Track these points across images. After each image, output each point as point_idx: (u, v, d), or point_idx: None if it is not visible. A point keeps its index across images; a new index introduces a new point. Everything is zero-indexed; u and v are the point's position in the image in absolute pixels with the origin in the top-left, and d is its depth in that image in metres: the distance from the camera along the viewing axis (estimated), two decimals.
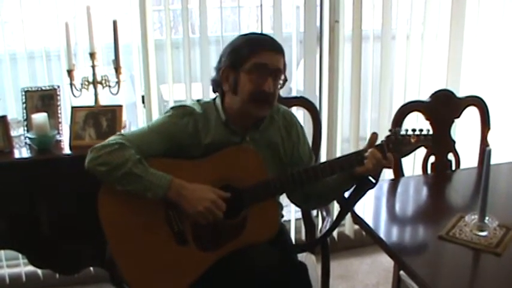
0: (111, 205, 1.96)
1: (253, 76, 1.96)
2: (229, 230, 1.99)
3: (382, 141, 2.03)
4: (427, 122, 2.62)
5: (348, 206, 2.11)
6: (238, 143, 2.07)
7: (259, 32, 2.15)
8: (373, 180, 2.01)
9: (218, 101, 2.09)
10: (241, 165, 2.03)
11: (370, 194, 2.29)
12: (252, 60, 1.96)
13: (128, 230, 1.95)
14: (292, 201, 2.29)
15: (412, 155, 3.38)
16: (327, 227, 2.33)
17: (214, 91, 2.12)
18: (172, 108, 2.09)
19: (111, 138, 1.98)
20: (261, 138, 2.11)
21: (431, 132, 2.07)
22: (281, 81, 2.02)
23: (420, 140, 2.05)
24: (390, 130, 2.05)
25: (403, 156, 2.14)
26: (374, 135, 2.03)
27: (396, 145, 2.03)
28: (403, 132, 2.06)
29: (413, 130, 2.06)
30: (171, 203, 1.93)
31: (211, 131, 2.05)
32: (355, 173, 1.99)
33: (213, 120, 2.06)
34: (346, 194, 2.13)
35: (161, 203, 1.94)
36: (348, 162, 2.00)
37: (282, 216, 2.31)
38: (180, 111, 2.05)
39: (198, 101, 2.13)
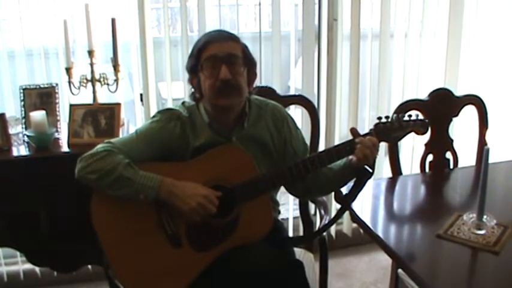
0: (104, 212, 1.96)
1: (207, 71, 1.99)
2: (223, 229, 1.99)
3: (370, 129, 2.04)
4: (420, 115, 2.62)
5: (348, 200, 2.11)
6: (225, 143, 2.07)
7: (214, 29, 2.18)
8: (370, 170, 2.01)
9: (200, 104, 2.10)
10: (229, 164, 2.03)
11: (368, 192, 2.30)
12: (202, 58, 2.00)
13: (122, 237, 1.95)
14: (293, 195, 2.31)
15: (410, 153, 3.45)
16: (325, 223, 2.32)
17: (194, 101, 2.12)
18: (158, 112, 2.10)
19: (99, 146, 1.98)
20: (248, 137, 2.11)
21: (420, 117, 2.07)
22: (243, 67, 2.02)
23: (409, 125, 2.05)
24: (379, 118, 2.05)
25: (395, 142, 2.13)
26: (353, 131, 2.03)
27: (385, 132, 2.03)
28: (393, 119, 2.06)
29: (402, 116, 2.06)
30: (164, 205, 1.93)
31: (199, 133, 2.05)
32: (352, 164, 1.99)
33: (199, 123, 2.07)
34: (346, 189, 2.14)
35: (153, 207, 1.94)
36: (338, 152, 2.01)
37: (279, 213, 2.31)
38: (167, 115, 2.06)
39: (183, 103, 2.13)
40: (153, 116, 2.09)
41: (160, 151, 2.03)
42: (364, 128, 3.53)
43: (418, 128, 2.07)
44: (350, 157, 2.01)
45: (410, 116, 2.06)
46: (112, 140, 2.04)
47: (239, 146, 2.07)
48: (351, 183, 2.09)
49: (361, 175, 2.03)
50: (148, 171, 1.94)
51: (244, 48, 2.06)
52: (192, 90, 2.12)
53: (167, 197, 1.91)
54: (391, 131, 2.04)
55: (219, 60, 1.97)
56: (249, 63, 2.06)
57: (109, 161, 1.92)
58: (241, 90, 2.02)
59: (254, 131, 2.12)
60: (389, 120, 2.04)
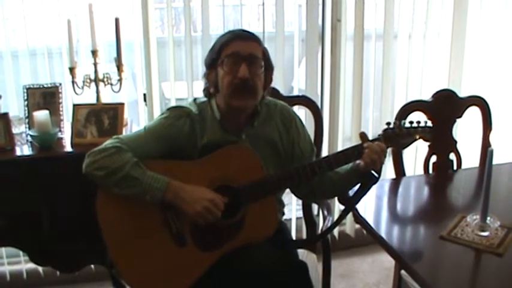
0: (109, 210, 1.96)
1: (227, 67, 1.98)
2: (228, 229, 1.99)
3: (379, 134, 2.04)
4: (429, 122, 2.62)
5: (352, 203, 2.11)
6: (234, 141, 2.07)
7: (238, 28, 2.19)
8: (376, 175, 2.00)
9: (213, 100, 2.09)
10: (238, 164, 2.03)
11: (372, 193, 2.29)
12: (224, 53, 1.99)
13: (127, 235, 1.95)
14: (297, 196, 2.31)
15: (413, 154, 3.45)
16: (328, 226, 2.32)
17: (206, 97, 2.12)
18: (168, 109, 2.09)
19: (108, 142, 1.98)
20: (257, 136, 2.10)
21: (429, 123, 2.07)
22: (262, 69, 2.02)
23: (418, 131, 2.05)
24: (388, 123, 2.05)
25: (402, 149, 2.13)
26: (362, 135, 2.02)
27: (394, 138, 2.03)
28: (406, 125, 2.06)
29: (411, 122, 2.06)
30: (169, 205, 1.93)
31: (207, 131, 2.05)
32: (359, 168, 1.99)
33: (209, 119, 2.06)
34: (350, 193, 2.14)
35: (159, 206, 1.94)
36: (346, 156, 2.01)
37: (283, 213, 2.31)
38: (177, 112, 2.06)
39: (194, 100, 2.13)
40: (163, 113, 2.09)
41: (169, 148, 2.02)
42: (368, 128, 3.53)
43: (426, 134, 2.07)
44: (357, 162, 2.00)
45: (419, 122, 2.06)
46: (121, 136, 2.04)
47: (248, 146, 2.07)
48: (355, 188, 2.08)
49: (367, 180, 2.02)
50: (156, 169, 1.94)
51: (265, 52, 2.06)
52: (207, 85, 2.09)
53: (173, 199, 1.91)
54: (399, 137, 2.04)
55: (241, 58, 1.97)
56: (268, 67, 2.06)
57: (117, 158, 1.92)
58: (257, 92, 2.02)
59: (264, 130, 2.12)
60: (397, 126, 2.03)
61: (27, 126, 2.70)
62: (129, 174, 1.90)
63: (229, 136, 2.07)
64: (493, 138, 2.74)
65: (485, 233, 1.90)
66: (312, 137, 2.54)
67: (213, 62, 2.03)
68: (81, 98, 2.78)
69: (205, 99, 2.11)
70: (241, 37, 2.02)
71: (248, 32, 2.08)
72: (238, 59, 1.97)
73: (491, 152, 1.88)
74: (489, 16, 3.49)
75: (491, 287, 1.73)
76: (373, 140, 2.01)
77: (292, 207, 3.45)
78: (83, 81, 2.75)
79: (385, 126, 2.05)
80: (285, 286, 1.93)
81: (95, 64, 2.75)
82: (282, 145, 2.15)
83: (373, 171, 1.99)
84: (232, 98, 1.99)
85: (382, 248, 1.98)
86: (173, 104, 3.09)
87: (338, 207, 3.35)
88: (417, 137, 2.06)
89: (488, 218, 1.92)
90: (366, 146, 1.97)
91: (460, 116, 2.71)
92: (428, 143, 2.64)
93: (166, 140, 2.02)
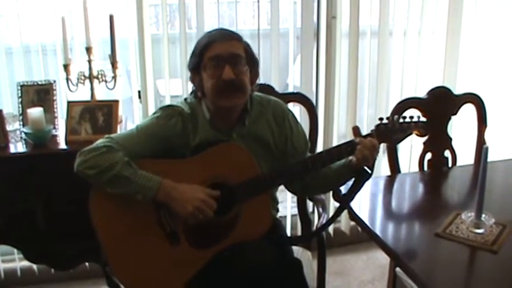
0: (103, 209, 1.96)
1: (210, 71, 1.97)
2: (222, 227, 1.99)
3: (372, 130, 2.03)
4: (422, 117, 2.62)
5: (346, 200, 2.11)
6: (226, 140, 2.07)
7: (216, 28, 2.19)
8: (369, 171, 2.00)
9: (202, 101, 2.09)
10: (230, 162, 2.03)
11: (366, 191, 2.29)
12: (205, 57, 1.98)
13: (120, 234, 1.95)
14: (291, 192, 2.32)
15: (408, 151, 3.45)
16: (323, 223, 2.32)
17: (196, 98, 2.11)
18: (160, 108, 2.09)
19: (99, 141, 1.98)
20: (249, 134, 2.10)
21: (422, 118, 2.07)
22: (246, 66, 2.01)
23: (411, 127, 2.05)
24: (381, 119, 2.04)
25: (395, 144, 2.13)
26: (355, 129, 2.02)
27: (387, 134, 2.03)
28: (399, 120, 2.05)
29: (404, 117, 2.06)
30: (162, 204, 1.93)
31: (199, 130, 2.05)
32: (352, 164, 1.99)
33: (200, 119, 2.06)
34: (344, 189, 2.14)
35: (152, 204, 1.93)
36: (339, 153, 2.01)
37: (278, 210, 2.31)
38: (168, 111, 2.05)
39: (185, 99, 2.13)
40: (155, 112, 2.09)
41: (161, 147, 2.02)
42: (363, 125, 3.52)
43: (420, 129, 2.07)
44: (350, 158, 2.00)
45: (411, 117, 2.06)
46: (112, 135, 2.03)
47: (240, 144, 2.06)
48: (349, 183, 2.08)
49: (360, 176, 2.02)
50: (148, 168, 1.93)
51: (247, 47, 2.05)
52: (193, 88, 2.10)
53: (165, 199, 1.91)
54: (392, 132, 2.03)
55: (223, 60, 1.96)
56: (252, 62, 2.05)
57: (108, 157, 1.92)
58: (245, 89, 2.01)
59: (255, 128, 2.12)
60: (390, 121, 2.03)
61: (21, 123, 2.69)
62: (119, 173, 1.89)
63: (220, 136, 2.07)
64: (488, 135, 2.74)
65: (480, 230, 1.90)
66: (307, 134, 2.54)
67: (195, 66, 2.03)
68: (75, 95, 2.77)
69: (195, 99, 2.11)
70: (221, 38, 2.00)
71: (227, 30, 2.08)
72: (220, 61, 1.96)
73: (487, 149, 1.88)
74: (484, 13, 3.49)
75: (485, 284, 1.73)
76: (366, 136, 2.01)
77: (287, 204, 3.45)
78: (77, 78, 2.75)
79: (378, 121, 2.04)
80: (280, 283, 1.92)
81: (89, 61, 2.74)
82: (274, 142, 2.15)
83: (365, 167, 1.99)
84: (220, 99, 1.98)
85: (377, 245, 1.99)
86: (168, 101, 3.09)
87: (333, 204, 3.35)
88: (410, 132, 2.06)
89: (483, 215, 1.92)
90: (358, 142, 1.97)
91: (455, 113, 2.71)
92: (423, 140, 2.65)
93: (158, 139, 2.01)
